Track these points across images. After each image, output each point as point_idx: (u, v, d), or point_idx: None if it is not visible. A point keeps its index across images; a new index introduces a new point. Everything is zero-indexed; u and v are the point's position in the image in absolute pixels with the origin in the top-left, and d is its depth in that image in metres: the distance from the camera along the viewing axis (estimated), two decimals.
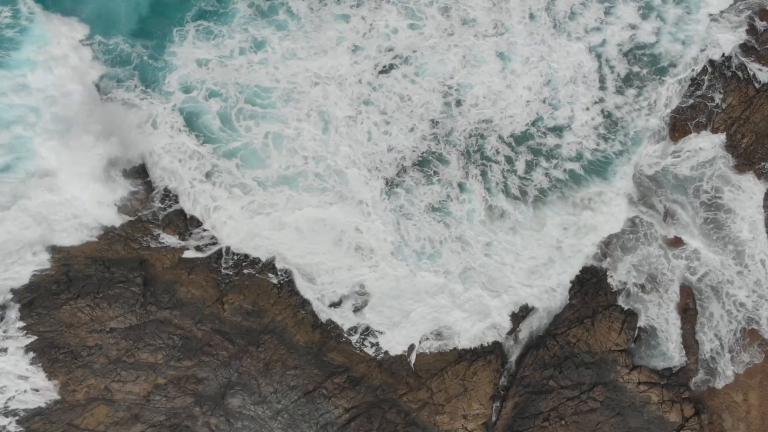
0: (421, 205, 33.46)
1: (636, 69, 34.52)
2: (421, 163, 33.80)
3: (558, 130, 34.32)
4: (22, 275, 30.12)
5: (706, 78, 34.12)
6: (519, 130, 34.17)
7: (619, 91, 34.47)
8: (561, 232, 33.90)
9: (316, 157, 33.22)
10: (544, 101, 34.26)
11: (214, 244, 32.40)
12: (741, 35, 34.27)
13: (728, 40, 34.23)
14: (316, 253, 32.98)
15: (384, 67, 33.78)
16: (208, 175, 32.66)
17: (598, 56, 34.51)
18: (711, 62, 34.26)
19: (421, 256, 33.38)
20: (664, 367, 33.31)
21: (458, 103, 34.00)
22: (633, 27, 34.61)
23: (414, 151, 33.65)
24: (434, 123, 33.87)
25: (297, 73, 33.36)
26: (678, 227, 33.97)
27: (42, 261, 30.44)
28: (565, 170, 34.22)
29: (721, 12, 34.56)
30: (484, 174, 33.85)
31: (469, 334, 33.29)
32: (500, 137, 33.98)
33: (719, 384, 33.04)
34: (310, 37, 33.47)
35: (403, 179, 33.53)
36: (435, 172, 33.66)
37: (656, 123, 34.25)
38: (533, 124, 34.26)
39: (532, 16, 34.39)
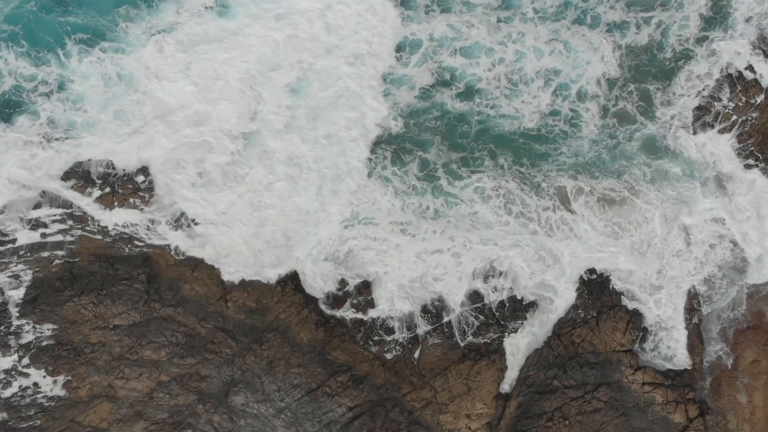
0: (412, 181, 32.97)
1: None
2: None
3: (565, 130, 33.66)
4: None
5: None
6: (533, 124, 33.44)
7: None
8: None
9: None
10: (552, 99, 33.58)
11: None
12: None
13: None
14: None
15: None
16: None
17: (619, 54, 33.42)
18: None
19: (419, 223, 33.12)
20: (669, 368, 33.22)
21: (461, 90, 33.27)
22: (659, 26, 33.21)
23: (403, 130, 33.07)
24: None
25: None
26: None
27: None
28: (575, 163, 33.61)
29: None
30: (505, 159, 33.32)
31: (472, 329, 33.33)
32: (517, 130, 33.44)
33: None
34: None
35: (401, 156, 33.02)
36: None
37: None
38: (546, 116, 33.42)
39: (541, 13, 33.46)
